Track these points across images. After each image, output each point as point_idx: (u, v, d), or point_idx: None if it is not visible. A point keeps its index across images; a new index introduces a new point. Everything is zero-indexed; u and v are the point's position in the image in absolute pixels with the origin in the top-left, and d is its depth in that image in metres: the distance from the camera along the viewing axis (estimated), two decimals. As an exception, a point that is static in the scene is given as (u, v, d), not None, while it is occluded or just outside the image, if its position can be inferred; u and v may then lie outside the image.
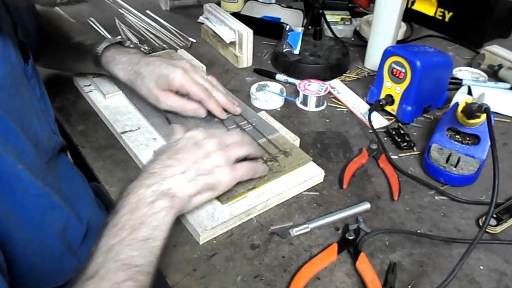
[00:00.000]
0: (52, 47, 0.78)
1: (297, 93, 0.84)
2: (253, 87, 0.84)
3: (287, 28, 1.03)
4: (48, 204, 0.52)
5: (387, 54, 0.77)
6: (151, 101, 0.71)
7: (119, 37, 0.76)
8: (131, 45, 0.77)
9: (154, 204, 0.47)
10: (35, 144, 0.52)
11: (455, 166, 0.65)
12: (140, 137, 0.70)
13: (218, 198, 0.58)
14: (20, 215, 0.48)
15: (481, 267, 0.54)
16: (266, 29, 1.06)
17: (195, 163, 0.52)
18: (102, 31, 1.06)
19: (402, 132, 0.76)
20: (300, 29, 0.96)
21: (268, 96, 0.84)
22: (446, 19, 1.10)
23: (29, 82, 0.56)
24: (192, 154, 0.52)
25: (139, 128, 0.72)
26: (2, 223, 0.46)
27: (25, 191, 0.48)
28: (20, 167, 0.47)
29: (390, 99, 0.79)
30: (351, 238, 0.56)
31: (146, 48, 0.99)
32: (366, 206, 0.61)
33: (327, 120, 0.80)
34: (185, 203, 0.51)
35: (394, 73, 0.77)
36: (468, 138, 0.70)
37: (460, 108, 0.68)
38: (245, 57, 0.94)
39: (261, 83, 0.85)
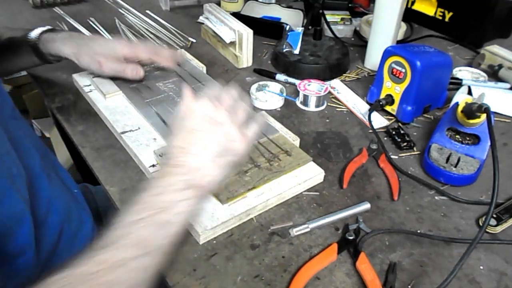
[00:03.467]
0: None
1: (297, 93, 0.84)
2: (253, 87, 0.84)
3: (287, 28, 1.03)
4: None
5: (387, 54, 0.77)
6: (94, 69, 0.76)
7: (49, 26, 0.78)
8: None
9: (182, 193, 0.46)
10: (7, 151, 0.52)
11: (455, 166, 0.65)
12: (140, 137, 0.70)
13: (218, 198, 0.58)
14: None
15: (481, 267, 0.54)
16: (266, 29, 1.06)
17: (218, 146, 0.49)
18: (102, 31, 1.06)
19: (402, 132, 0.76)
20: (300, 29, 0.96)
21: (268, 96, 0.84)
22: (446, 19, 1.10)
23: None
24: (210, 134, 0.49)
25: (139, 128, 0.72)
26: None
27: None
28: None
29: (390, 99, 0.79)
30: (351, 238, 0.56)
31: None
32: (366, 206, 0.61)
33: (327, 120, 0.80)
34: (212, 189, 0.50)
35: (394, 73, 0.77)
36: (468, 138, 0.70)
37: (460, 108, 0.68)
38: (245, 57, 0.94)
39: (261, 83, 0.85)
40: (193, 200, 0.46)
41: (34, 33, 0.74)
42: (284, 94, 0.83)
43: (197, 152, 0.48)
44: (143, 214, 0.43)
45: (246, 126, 0.52)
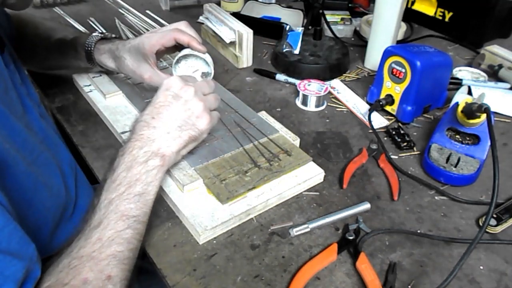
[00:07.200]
0: (30, 48, 0.80)
1: (297, 93, 0.84)
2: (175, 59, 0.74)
3: (287, 28, 1.03)
4: (36, 182, 0.52)
5: (387, 54, 0.77)
6: (138, 80, 0.76)
7: (99, 32, 0.79)
8: (113, 36, 0.80)
9: (147, 163, 0.52)
10: (25, 124, 0.53)
11: (455, 166, 0.65)
12: (140, 137, 0.70)
13: (218, 198, 0.58)
14: (13, 190, 0.48)
15: (481, 267, 0.54)
16: (266, 29, 1.06)
17: (178, 120, 0.56)
18: (102, 31, 1.06)
19: (402, 132, 0.76)
20: (300, 29, 0.96)
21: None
22: (446, 19, 1.10)
23: (8, 69, 0.56)
24: (173, 110, 0.56)
25: (139, 128, 0.72)
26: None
27: (13, 168, 0.48)
28: (7, 146, 0.47)
29: (390, 99, 0.79)
30: (351, 238, 0.56)
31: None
32: (366, 206, 0.61)
33: (327, 120, 0.80)
34: (173, 159, 0.56)
35: (394, 73, 0.77)
36: (468, 138, 0.70)
37: (460, 108, 0.68)
38: (245, 57, 0.94)
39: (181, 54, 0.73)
40: (158, 169, 0.53)
41: (91, 40, 0.75)
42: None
43: (155, 125, 0.55)
44: (120, 190, 0.49)
45: (212, 110, 0.61)
